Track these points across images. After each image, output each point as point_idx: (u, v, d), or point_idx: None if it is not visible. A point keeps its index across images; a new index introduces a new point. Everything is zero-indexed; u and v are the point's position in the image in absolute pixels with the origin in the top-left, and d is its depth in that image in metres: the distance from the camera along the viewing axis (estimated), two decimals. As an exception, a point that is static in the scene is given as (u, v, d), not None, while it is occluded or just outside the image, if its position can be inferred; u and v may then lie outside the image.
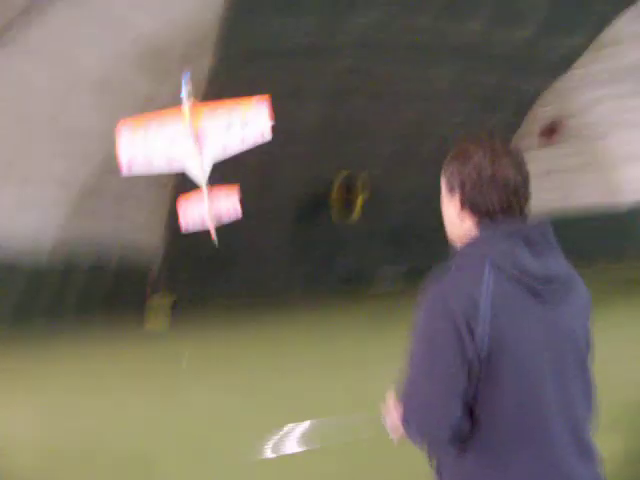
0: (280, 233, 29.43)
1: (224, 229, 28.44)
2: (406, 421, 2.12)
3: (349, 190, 29.38)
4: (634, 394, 7.69)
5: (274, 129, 26.20)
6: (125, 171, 10.62)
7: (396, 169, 28.64)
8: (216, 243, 13.23)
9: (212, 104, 10.98)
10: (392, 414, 2.23)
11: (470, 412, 2.08)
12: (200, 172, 10.80)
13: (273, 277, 28.63)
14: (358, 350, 13.42)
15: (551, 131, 26.81)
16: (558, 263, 2.19)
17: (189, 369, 12.34)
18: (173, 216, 28.70)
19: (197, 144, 10.51)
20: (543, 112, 27.36)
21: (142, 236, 28.52)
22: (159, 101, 22.84)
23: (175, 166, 10.81)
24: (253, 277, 28.98)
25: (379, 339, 14.00)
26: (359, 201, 29.37)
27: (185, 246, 29.48)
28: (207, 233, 28.58)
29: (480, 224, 2.20)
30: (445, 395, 2.03)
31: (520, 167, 2.20)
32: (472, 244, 2.20)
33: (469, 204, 2.21)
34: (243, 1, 20.41)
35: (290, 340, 15.51)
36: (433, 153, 27.34)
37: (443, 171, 2.30)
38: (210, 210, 12.31)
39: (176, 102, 10.62)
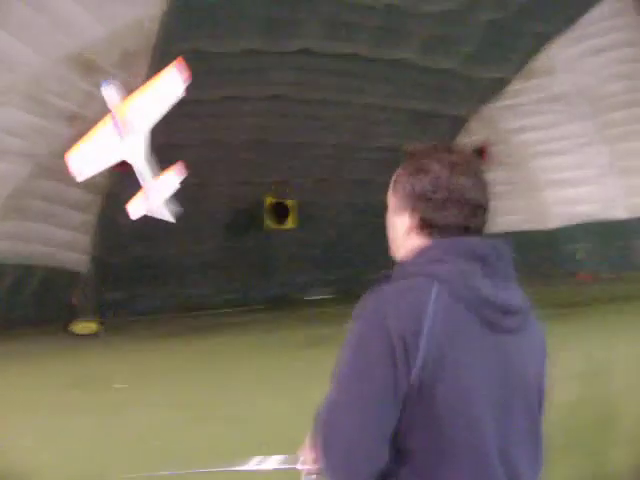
0: (210, 248, 29.48)
1: (155, 246, 28.72)
2: (323, 460, 1.85)
3: (279, 210, 29.75)
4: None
5: (207, 144, 26.31)
6: (79, 178, 13.07)
7: (326, 190, 29.08)
8: (173, 219, 14.72)
9: (132, 95, 12.84)
10: (307, 444, 2.04)
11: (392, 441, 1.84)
12: (136, 151, 12.77)
13: (203, 292, 28.63)
14: (292, 363, 13.60)
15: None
16: (515, 292, 1.99)
17: (122, 387, 12.26)
18: (100, 232, 29.00)
19: (125, 129, 12.25)
20: (469, 139, 28.18)
21: (69, 255, 28.32)
22: (95, 103, 22.90)
23: (113, 157, 12.92)
24: (182, 292, 28.91)
25: (311, 354, 14.20)
26: (289, 219, 29.76)
27: (112, 265, 29.45)
28: (135, 253, 28.83)
29: (432, 241, 1.98)
30: (371, 435, 1.79)
31: (480, 183, 2.02)
32: (421, 261, 1.95)
33: (422, 221, 2.00)
34: (181, 16, 20.65)
35: (222, 355, 15.59)
36: (364, 174, 27.93)
37: (393, 185, 2.10)
38: (154, 190, 13.69)
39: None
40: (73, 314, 26.45)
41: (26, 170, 23.38)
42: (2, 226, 24.05)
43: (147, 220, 29.43)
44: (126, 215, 28.55)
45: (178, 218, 29.07)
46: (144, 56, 22.76)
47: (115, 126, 12.34)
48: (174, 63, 12.58)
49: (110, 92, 12.95)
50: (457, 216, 1.99)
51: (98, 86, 22.46)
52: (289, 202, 29.78)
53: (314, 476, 2.02)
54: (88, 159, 12.69)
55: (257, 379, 11.93)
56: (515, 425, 1.91)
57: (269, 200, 29.58)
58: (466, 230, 2.01)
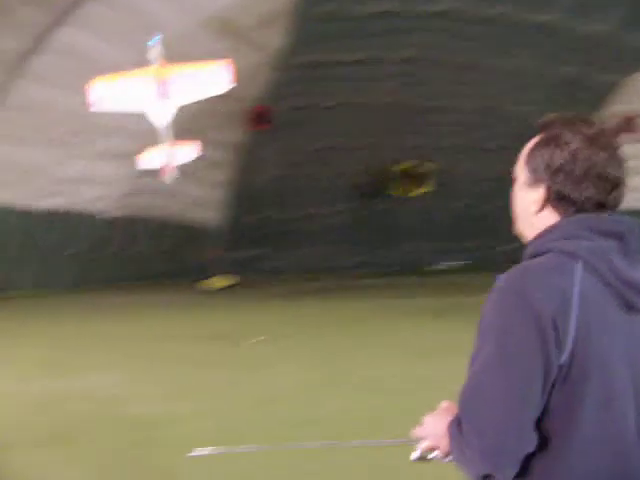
0: (340, 211, 29.69)
1: (286, 206, 29.23)
2: (472, 448, 1.80)
3: (413, 178, 29.54)
4: None
5: (342, 107, 26.23)
6: (95, 107, 12.92)
7: (462, 157, 28.51)
8: (167, 181, 14.78)
9: (180, 64, 13.22)
10: (435, 419, 1.98)
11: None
12: (162, 115, 13.02)
13: (331, 253, 28.90)
14: (425, 329, 13.44)
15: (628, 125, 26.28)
16: None
17: (255, 342, 12.48)
18: (235, 191, 29.75)
19: (161, 91, 12.55)
20: (618, 108, 26.83)
21: (201, 212, 29.25)
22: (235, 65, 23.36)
23: (138, 107, 13.15)
24: (311, 252, 29.28)
25: (444, 322, 14.01)
26: (422, 185, 29.52)
27: (245, 224, 30.25)
28: (267, 213, 29.48)
29: (568, 217, 1.92)
30: (522, 421, 1.77)
31: (618, 158, 1.94)
32: (557, 237, 1.90)
33: (558, 196, 1.92)
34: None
35: (353, 317, 15.61)
36: (502, 142, 27.17)
37: (527, 157, 2.00)
38: (169, 150, 14.04)
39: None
40: (206, 270, 27.33)
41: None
42: (141, 182, 25.01)
43: (280, 182, 30.17)
44: (261, 176, 29.39)
45: (310, 180, 29.70)
46: (282, 19, 22.89)
47: (156, 82, 12.68)
48: (226, 62, 13.12)
49: (157, 48, 13.25)
50: (595, 191, 1.90)
51: (238, 48, 23.06)
52: (423, 168, 29.44)
53: (423, 455, 1.98)
54: (112, 96, 12.90)
55: (391, 343, 11.78)
56: None
57: (402, 165, 29.35)
58: (602, 206, 1.92)
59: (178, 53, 20.83)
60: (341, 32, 24.14)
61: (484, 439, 1.78)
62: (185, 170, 26.11)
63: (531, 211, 1.98)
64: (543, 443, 1.80)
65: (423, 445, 1.98)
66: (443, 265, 29.26)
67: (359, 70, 25.33)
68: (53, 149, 21.17)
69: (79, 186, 22.89)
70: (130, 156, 23.30)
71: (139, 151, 23.13)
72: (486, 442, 1.78)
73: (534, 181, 1.97)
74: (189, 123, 24.52)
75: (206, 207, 29.43)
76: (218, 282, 24.13)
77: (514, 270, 1.86)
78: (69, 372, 10.02)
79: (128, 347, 12.31)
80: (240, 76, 24.10)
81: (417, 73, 25.84)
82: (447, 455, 1.94)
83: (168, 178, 14.55)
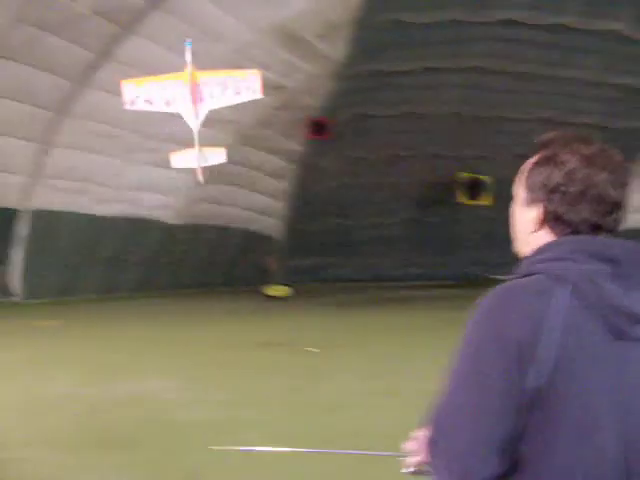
0: (401, 221, 29.58)
1: (346, 216, 29.25)
2: (436, 462, 1.82)
3: (473, 188, 29.28)
4: None
5: (403, 116, 26.04)
6: (128, 106, 13.62)
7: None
8: (202, 181, 15.40)
9: (210, 71, 14.06)
10: (420, 435, 1.94)
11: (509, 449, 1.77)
12: (193, 118, 13.58)
13: (390, 264, 28.82)
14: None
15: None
16: None
17: (314, 351, 12.51)
18: (295, 200, 29.92)
19: (194, 95, 13.26)
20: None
21: (262, 221, 29.54)
22: (297, 74, 23.58)
23: (172, 108, 13.72)
24: (371, 263, 29.25)
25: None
26: (483, 196, 29.22)
27: (305, 234, 30.41)
28: (326, 223, 29.56)
29: (559, 237, 1.88)
30: (485, 442, 1.74)
31: (619, 179, 1.87)
32: (544, 258, 1.85)
33: (553, 216, 1.88)
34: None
35: (410, 328, 15.54)
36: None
37: (525, 175, 1.97)
38: (198, 152, 14.70)
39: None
40: (266, 277, 27.55)
41: (230, 137, 24.42)
42: (206, 189, 25.36)
43: (340, 191, 30.23)
44: (321, 185, 29.49)
45: (371, 190, 29.66)
46: (346, 28, 22.97)
47: (190, 87, 13.30)
48: (257, 73, 13.83)
49: (189, 53, 13.72)
50: (591, 213, 1.84)
51: (301, 57, 23.24)
52: (485, 178, 29.14)
53: (413, 470, 1.96)
54: (147, 97, 13.46)
55: (449, 356, 11.57)
56: (637, 445, 1.75)
57: (463, 175, 29.10)
58: (598, 228, 1.86)
59: (241, 62, 21.22)
60: (403, 41, 24.11)
61: (451, 459, 1.77)
62: (247, 179, 26.60)
63: (528, 230, 1.95)
64: (519, 467, 1.76)
65: (415, 460, 1.96)
66: (502, 277, 28.81)
67: (420, 79, 25.23)
68: (117, 157, 21.63)
69: (142, 193, 23.32)
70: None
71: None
72: (453, 462, 1.77)
73: (531, 200, 1.93)
74: (251, 131, 24.87)
75: (267, 216, 29.70)
76: (277, 290, 24.30)
77: (497, 289, 1.82)
78: (130, 376, 10.19)
79: (188, 353, 12.47)
80: (302, 86, 24.44)
81: (479, 83, 25.65)
82: None
83: (201, 178, 15.10)
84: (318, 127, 26.44)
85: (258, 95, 13.69)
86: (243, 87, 13.49)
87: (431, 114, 26.25)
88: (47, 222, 21.43)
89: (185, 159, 16.09)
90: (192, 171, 23.52)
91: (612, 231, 1.87)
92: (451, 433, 1.78)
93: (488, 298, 1.81)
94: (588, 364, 1.74)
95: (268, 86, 23.39)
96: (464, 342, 1.82)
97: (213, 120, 22.72)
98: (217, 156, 16.46)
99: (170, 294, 24.64)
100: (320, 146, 27.73)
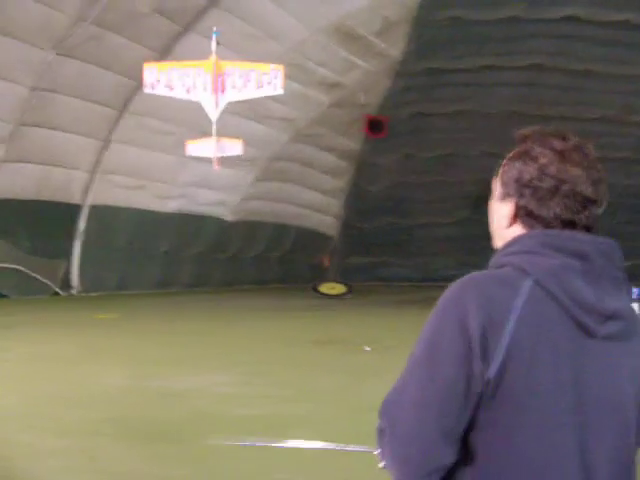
0: (458, 220, 29.35)
1: (401, 215, 29.14)
2: (383, 450, 1.78)
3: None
4: None
5: (460, 114, 25.82)
6: (148, 89, 13.76)
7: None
8: (218, 171, 15.59)
9: (234, 62, 14.09)
10: None
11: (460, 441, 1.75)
12: (212, 107, 13.50)
13: (447, 263, 28.59)
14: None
15: None
16: (618, 297, 1.81)
17: (369, 350, 12.50)
18: (351, 198, 29.94)
19: (215, 84, 13.27)
20: None
21: (317, 219, 29.62)
22: (354, 72, 23.57)
23: (192, 96, 13.68)
24: (427, 262, 29.10)
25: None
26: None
27: (360, 232, 30.40)
28: (382, 221, 29.51)
29: (530, 232, 1.86)
30: (431, 432, 1.71)
31: (593, 175, 1.85)
32: (513, 251, 1.84)
33: (525, 211, 1.87)
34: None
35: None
36: (627, 152, 26.16)
37: (500, 170, 1.97)
38: (216, 142, 14.66)
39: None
40: (320, 275, 27.62)
41: (286, 135, 24.56)
42: (262, 186, 25.56)
43: (396, 189, 30.12)
44: (377, 184, 29.42)
45: (426, 188, 29.47)
46: (403, 25, 22.89)
47: (213, 76, 13.31)
48: (280, 68, 13.60)
49: (215, 44, 13.89)
50: (563, 209, 1.82)
51: (358, 55, 23.23)
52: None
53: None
54: (168, 82, 13.46)
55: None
56: (601, 441, 1.75)
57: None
58: (572, 225, 1.83)
59: (298, 60, 21.31)
60: (462, 38, 23.91)
61: (396, 445, 1.75)
62: (303, 176, 26.71)
63: (502, 225, 1.94)
64: (470, 458, 1.74)
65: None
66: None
67: (479, 77, 25.02)
68: (175, 154, 21.91)
69: (198, 190, 23.59)
70: (250, 162, 23.90)
71: (258, 158, 23.73)
72: (397, 448, 1.75)
73: (505, 195, 1.92)
74: (307, 129, 24.95)
75: (322, 213, 29.77)
76: (332, 288, 24.31)
77: (463, 279, 1.81)
78: (185, 370, 10.32)
79: (243, 348, 12.57)
80: (359, 84, 24.42)
81: (538, 80, 25.29)
82: None
83: (217, 169, 15.22)
84: (375, 125, 26.41)
85: (279, 91, 13.71)
86: (265, 81, 13.45)
87: (487, 112, 25.97)
88: (106, 217, 21.85)
89: (202, 148, 15.93)
90: (248, 168, 23.95)
91: (587, 227, 1.85)
92: (395, 419, 1.76)
93: (453, 287, 1.80)
94: (546, 358, 1.71)
95: (325, 84, 23.57)
96: (424, 328, 1.80)
97: (268, 117, 23.00)
98: (234, 147, 16.16)
99: (225, 290, 24.88)
100: (377, 144, 27.67)
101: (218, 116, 13.82)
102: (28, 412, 7.63)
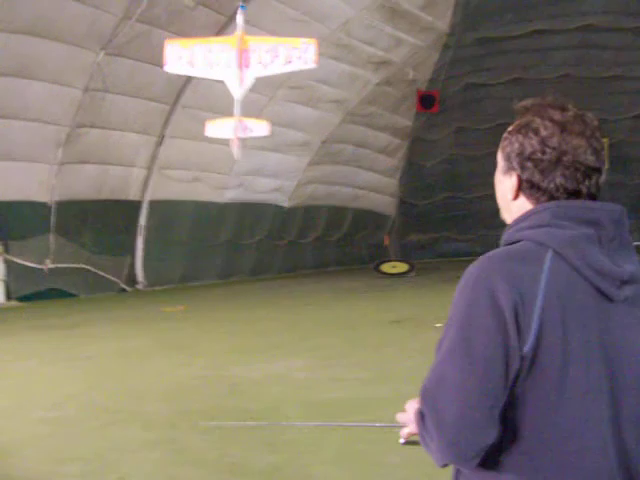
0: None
1: (458, 190, 28.83)
2: (432, 435, 1.79)
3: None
4: None
5: (514, 82, 25.33)
6: (167, 68, 13.25)
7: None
8: (237, 156, 14.25)
9: (262, 37, 13.57)
10: (410, 407, 1.96)
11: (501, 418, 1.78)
12: (237, 84, 12.77)
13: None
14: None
15: None
16: (631, 260, 1.87)
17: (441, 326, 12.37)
18: (406, 176, 29.73)
19: (240, 60, 12.57)
20: None
21: (375, 199, 29.48)
22: (401, 48, 23.32)
23: (215, 72, 13.03)
24: (487, 235, 28.74)
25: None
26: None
27: (418, 209, 30.19)
28: (439, 197, 29.25)
29: (542, 205, 1.88)
30: (480, 411, 1.73)
31: (594, 144, 1.87)
32: (528, 225, 1.87)
33: (529, 183, 1.90)
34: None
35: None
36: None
37: (502, 144, 1.99)
38: (238, 122, 13.64)
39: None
40: (381, 254, 27.53)
41: (338, 117, 24.43)
42: (317, 170, 25.51)
43: (451, 164, 29.79)
44: (432, 159, 29.15)
45: (482, 161, 29.06)
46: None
47: (237, 51, 12.66)
48: (312, 42, 12.82)
49: (242, 17, 13.22)
50: (567, 179, 1.86)
51: (405, 30, 22.94)
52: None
53: (409, 440, 2.05)
54: (190, 58, 12.90)
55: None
56: (628, 403, 1.82)
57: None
58: (577, 194, 1.88)
59: (345, 41, 21.15)
60: (509, 5, 23.51)
61: (443, 430, 1.76)
62: (357, 157, 26.58)
63: (508, 198, 1.97)
64: (511, 435, 1.77)
65: (405, 431, 1.99)
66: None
67: (530, 43, 24.54)
68: (229, 144, 22.00)
69: (255, 178, 23.64)
70: (304, 147, 23.86)
71: (312, 142, 23.66)
72: (445, 433, 1.76)
73: (507, 169, 1.96)
74: (358, 109, 24.79)
75: (379, 193, 29.62)
76: (395, 267, 24.20)
77: (483, 258, 1.84)
78: (261, 357, 10.36)
79: (315, 332, 12.60)
80: (408, 59, 24.14)
81: (590, 42, 24.66)
82: None
83: (236, 151, 14.15)
84: (427, 100, 26.12)
85: (311, 65, 12.90)
86: (295, 56, 12.69)
87: (542, 78, 25.42)
88: (165, 212, 22.04)
89: (221, 129, 14.75)
90: (302, 153, 23.90)
91: (592, 197, 1.88)
92: (439, 405, 1.77)
93: (476, 266, 1.83)
94: (576, 327, 1.75)
95: (373, 62, 23.34)
96: (453, 311, 1.82)
97: (319, 101, 22.90)
98: (260, 128, 14.90)
99: (286, 276, 24.99)
100: (430, 119, 27.38)
101: (244, 93, 13.18)
102: (113, 407, 7.75)
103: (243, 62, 12.73)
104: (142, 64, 18.95)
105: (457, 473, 1.91)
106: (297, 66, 12.96)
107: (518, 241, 1.86)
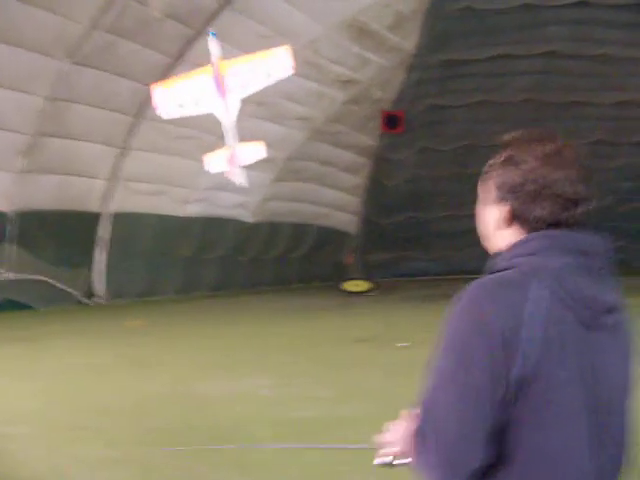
0: (475, 215, 29.19)
1: (422, 209, 28.99)
2: (423, 456, 1.87)
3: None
4: None
5: (478, 105, 25.58)
6: (163, 115, 13.36)
7: (603, 153, 27.32)
8: (241, 183, 14.73)
9: (237, 59, 13.35)
10: (400, 426, 2.01)
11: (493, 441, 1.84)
12: (224, 113, 13.00)
13: (469, 256, 28.42)
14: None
15: None
16: (612, 289, 1.94)
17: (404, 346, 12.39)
18: (370, 195, 29.79)
19: (220, 88, 12.72)
20: None
21: (338, 217, 29.54)
22: (368, 68, 23.46)
23: (202, 108, 13.15)
24: (449, 256, 28.97)
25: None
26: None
27: (382, 228, 30.26)
28: (403, 216, 29.34)
29: (531, 234, 1.95)
30: (471, 434, 1.81)
31: (575, 175, 1.94)
32: (516, 254, 1.93)
33: (511, 215, 1.97)
34: None
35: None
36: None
37: (484, 175, 2.06)
38: (233, 150, 13.80)
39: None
40: (344, 273, 27.54)
41: (303, 134, 24.45)
42: (280, 186, 25.47)
43: (415, 184, 29.97)
44: (397, 179, 29.27)
45: (446, 182, 29.36)
46: (416, 18, 22.76)
47: (215, 80, 12.80)
48: (286, 48, 13.06)
49: (214, 44, 13.23)
50: (547, 210, 1.93)
51: (372, 50, 23.09)
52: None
53: (389, 461, 2.06)
54: (178, 100, 13.03)
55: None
56: (607, 425, 1.89)
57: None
58: (557, 225, 1.94)
59: (311, 58, 21.21)
60: (474, 29, 23.75)
61: (439, 452, 1.84)
62: (321, 175, 26.60)
63: (491, 228, 2.05)
64: (503, 457, 1.83)
65: (391, 450, 2.02)
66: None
67: (494, 67, 24.85)
68: (194, 158, 21.86)
69: (219, 193, 23.51)
70: (269, 163, 23.82)
71: (276, 158, 23.60)
72: (440, 455, 1.83)
73: (492, 200, 2.03)
74: (324, 127, 24.83)
75: (342, 211, 29.66)
76: (357, 286, 24.23)
77: (473, 285, 1.89)
78: (224, 374, 10.26)
79: (277, 349, 12.49)
80: (374, 79, 24.27)
81: (553, 68, 25.08)
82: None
83: (237, 179, 14.43)
84: (391, 120, 26.27)
85: (290, 71, 13.11)
86: (272, 67, 12.89)
87: (505, 102, 25.80)
88: (127, 224, 21.81)
89: (218, 161, 14.49)
90: (266, 169, 23.86)
91: (574, 227, 1.94)
92: (440, 428, 1.83)
93: (466, 293, 1.88)
94: (566, 354, 1.82)
95: (340, 81, 23.42)
96: (446, 337, 1.89)
97: (285, 118, 22.90)
98: (255, 152, 14.77)
99: (248, 292, 24.84)
100: (394, 139, 27.52)
101: (234, 119, 13.32)
102: (74, 423, 7.59)
103: (223, 90, 12.87)
104: (108, 74, 18.79)
105: None
106: (277, 76, 13.06)
107: (506, 269, 1.90)
